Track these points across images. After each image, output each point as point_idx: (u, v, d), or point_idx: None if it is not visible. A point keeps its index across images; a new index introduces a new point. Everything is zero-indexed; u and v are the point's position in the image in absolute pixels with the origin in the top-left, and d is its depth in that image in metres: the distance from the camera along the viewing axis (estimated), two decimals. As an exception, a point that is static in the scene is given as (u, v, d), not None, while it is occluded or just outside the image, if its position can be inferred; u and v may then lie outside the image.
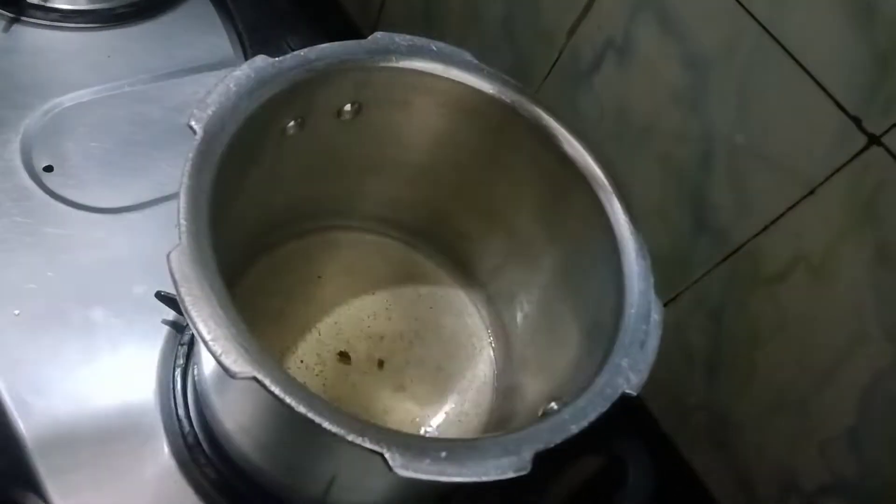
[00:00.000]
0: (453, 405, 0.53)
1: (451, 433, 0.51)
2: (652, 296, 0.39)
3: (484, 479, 0.32)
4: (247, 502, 0.47)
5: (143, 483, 0.47)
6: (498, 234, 0.53)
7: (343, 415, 0.33)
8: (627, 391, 0.36)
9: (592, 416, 0.35)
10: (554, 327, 0.49)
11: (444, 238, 0.57)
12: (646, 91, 0.54)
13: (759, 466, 0.56)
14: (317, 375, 0.51)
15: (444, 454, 0.32)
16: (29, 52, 0.61)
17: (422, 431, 0.51)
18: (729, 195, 0.51)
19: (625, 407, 0.37)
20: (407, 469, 0.32)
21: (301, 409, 0.32)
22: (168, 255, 0.34)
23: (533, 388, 0.49)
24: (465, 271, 0.57)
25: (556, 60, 0.59)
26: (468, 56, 0.45)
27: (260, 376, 0.32)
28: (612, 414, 0.36)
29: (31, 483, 0.45)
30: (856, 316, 0.47)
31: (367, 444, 0.32)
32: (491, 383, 0.54)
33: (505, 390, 0.53)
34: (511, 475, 0.32)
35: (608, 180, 0.43)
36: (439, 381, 0.53)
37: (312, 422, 0.32)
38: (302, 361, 0.52)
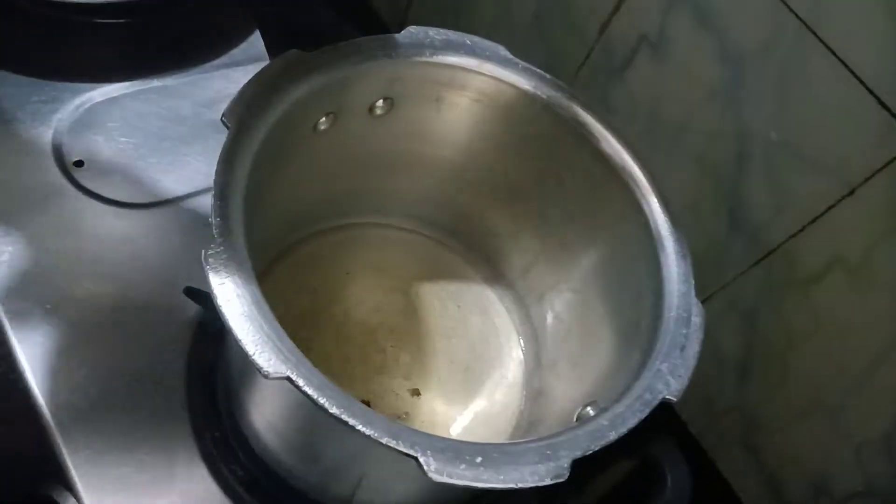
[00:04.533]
0: (481, 406, 0.52)
1: (479, 434, 0.51)
2: (693, 298, 0.39)
3: (520, 485, 0.32)
4: (273, 501, 0.47)
5: (171, 479, 0.46)
6: (530, 232, 0.52)
7: (376, 417, 0.32)
8: (668, 397, 0.35)
9: (632, 423, 0.34)
10: (587, 329, 0.48)
11: (474, 236, 0.56)
12: (680, 88, 0.53)
13: (789, 470, 0.56)
14: (343, 374, 0.51)
15: (479, 459, 0.32)
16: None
17: (448, 432, 0.51)
18: (765, 195, 0.50)
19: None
20: (442, 474, 0.31)
21: (334, 410, 0.32)
22: (203, 254, 0.33)
23: (564, 390, 0.48)
24: (495, 270, 0.57)
25: (588, 56, 0.59)
26: (503, 51, 0.44)
27: (294, 376, 0.32)
28: (647, 419, 0.35)
29: (61, 477, 0.45)
30: (894, 319, 0.46)
31: (401, 448, 0.31)
32: (520, 385, 0.53)
33: (535, 392, 0.52)
34: (548, 482, 0.32)
35: (646, 177, 0.42)
36: (467, 381, 0.53)
37: (346, 423, 0.31)
38: (329, 359, 0.51)
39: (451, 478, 0.31)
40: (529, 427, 0.49)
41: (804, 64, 0.45)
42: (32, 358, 0.48)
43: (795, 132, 0.47)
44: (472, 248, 0.57)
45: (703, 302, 0.55)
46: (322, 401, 0.32)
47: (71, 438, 0.46)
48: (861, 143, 0.44)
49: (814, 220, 0.48)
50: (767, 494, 0.58)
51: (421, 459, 0.31)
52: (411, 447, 0.31)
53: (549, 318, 0.52)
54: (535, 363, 0.53)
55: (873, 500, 0.51)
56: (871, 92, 0.42)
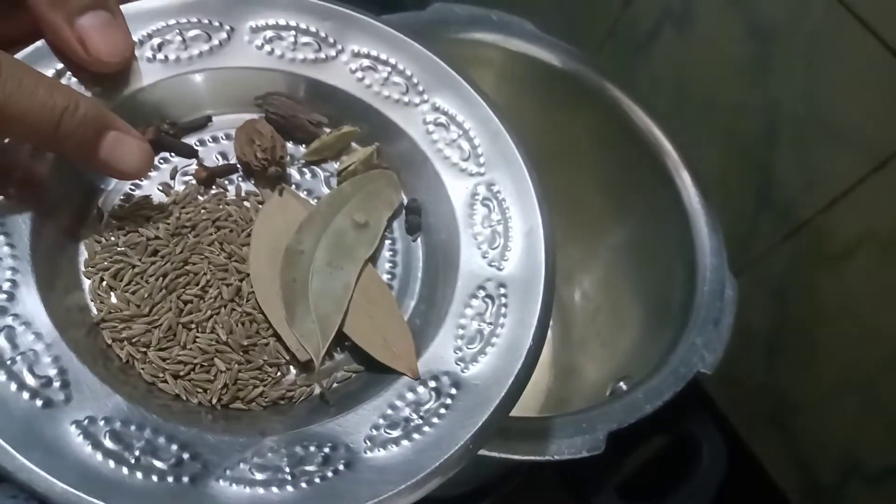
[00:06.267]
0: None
1: (507, 413, 0.51)
2: (726, 271, 0.38)
3: (557, 458, 0.32)
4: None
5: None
6: (557, 210, 0.51)
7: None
8: (702, 370, 0.35)
9: (667, 396, 0.34)
10: (616, 306, 0.48)
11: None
12: (706, 62, 0.52)
13: (820, 448, 0.55)
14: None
15: (515, 432, 0.32)
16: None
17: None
18: (794, 170, 0.49)
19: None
20: (477, 446, 0.31)
21: None
22: None
23: (594, 367, 0.48)
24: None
25: (611, 31, 0.58)
26: (529, 26, 0.44)
27: None
28: (681, 393, 0.35)
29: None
30: (927, 292, 0.45)
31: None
32: (548, 363, 0.53)
33: (563, 370, 0.52)
34: (584, 455, 0.32)
35: (676, 151, 0.42)
36: (495, 361, 0.53)
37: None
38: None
39: (487, 450, 0.31)
40: (558, 404, 0.49)
41: (834, 35, 0.44)
42: None
43: (824, 105, 0.46)
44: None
45: (731, 279, 0.55)
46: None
47: None
48: (892, 113, 0.43)
49: (844, 195, 0.47)
50: (798, 472, 0.57)
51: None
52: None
53: (577, 297, 0.52)
54: (563, 341, 0.53)
55: (906, 477, 0.50)
56: (901, 60, 0.42)
